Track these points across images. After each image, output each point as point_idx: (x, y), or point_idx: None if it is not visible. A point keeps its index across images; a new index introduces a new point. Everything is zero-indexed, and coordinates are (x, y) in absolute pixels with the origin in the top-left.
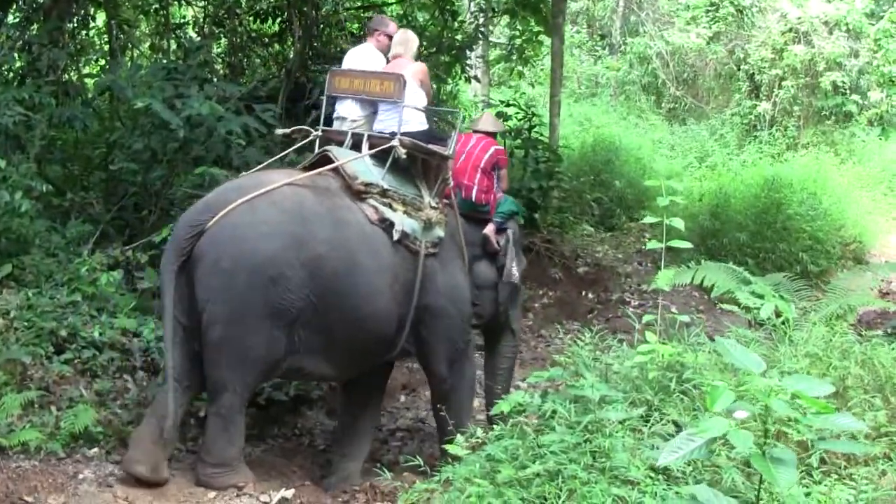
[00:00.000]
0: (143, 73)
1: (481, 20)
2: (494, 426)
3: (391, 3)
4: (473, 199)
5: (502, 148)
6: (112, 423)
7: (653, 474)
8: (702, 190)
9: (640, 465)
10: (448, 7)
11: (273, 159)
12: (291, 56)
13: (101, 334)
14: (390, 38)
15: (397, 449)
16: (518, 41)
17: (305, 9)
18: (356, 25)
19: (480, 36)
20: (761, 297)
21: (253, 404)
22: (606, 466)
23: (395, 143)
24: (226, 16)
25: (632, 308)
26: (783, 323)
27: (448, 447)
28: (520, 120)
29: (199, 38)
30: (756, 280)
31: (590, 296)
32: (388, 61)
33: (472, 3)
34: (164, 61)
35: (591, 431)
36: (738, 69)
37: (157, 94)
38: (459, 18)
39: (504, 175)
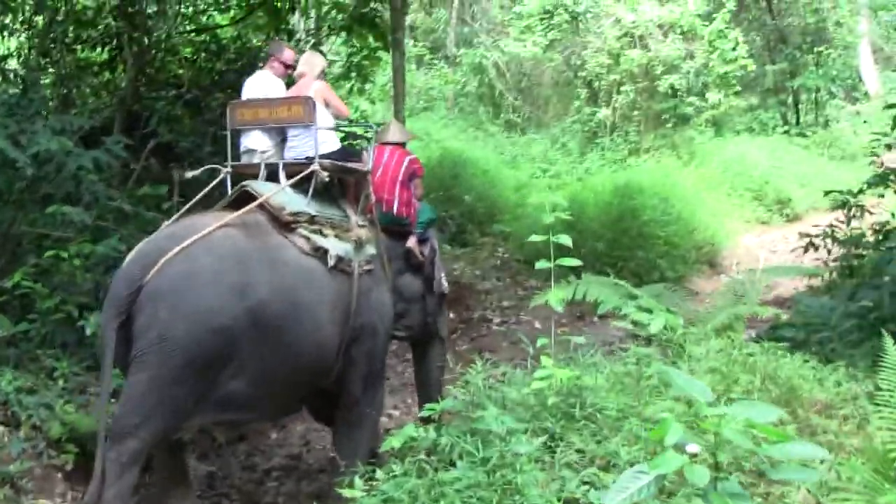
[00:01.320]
0: None
1: (319, 38)
2: (391, 462)
3: (224, 26)
4: (395, 212)
5: (415, 157)
6: None
7: None
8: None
9: (554, 500)
10: (283, 27)
11: (191, 203)
12: (124, 84)
13: None
14: (286, 65)
15: (275, 490)
16: (356, 58)
17: (136, 35)
18: (189, 49)
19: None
20: (649, 311)
21: None
22: None
23: (315, 167)
24: (52, 45)
25: (495, 325)
26: (672, 338)
27: (342, 490)
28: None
29: (23, 70)
30: (640, 293)
31: (451, 315)
32: (287, 87)
33: (307, 22)
34: (6, 96)
35: (497, 466)
36: (576, 76)
37: (0, 131)
38: (295, 38)
39: (419, 184)
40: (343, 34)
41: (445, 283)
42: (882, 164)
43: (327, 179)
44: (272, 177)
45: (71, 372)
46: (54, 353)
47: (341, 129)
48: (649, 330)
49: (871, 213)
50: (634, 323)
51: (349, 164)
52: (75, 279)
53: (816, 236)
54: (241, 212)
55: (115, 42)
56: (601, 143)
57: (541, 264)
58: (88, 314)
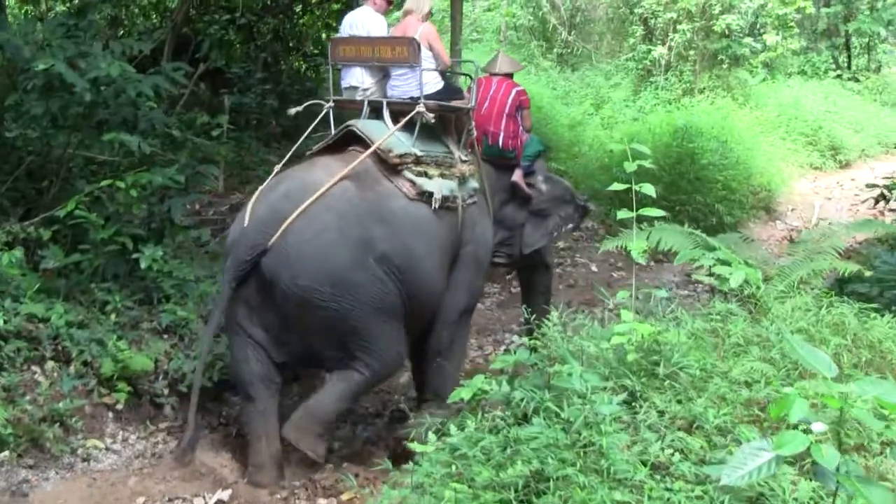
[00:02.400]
0: (39, 29)
1: None
2: (463, 416)
3: None
4: (500, 145)
5: (522, 88)
6: (22, 422)
7: (656, 476)
8: (610, 140)
9: (638, 464)
10: None
11: (298, 143)
12: (174, 6)
13: (5, 322)
14: (388, 1)
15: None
16: None
17: None
18: None
19: None
20: (728, 263)
21: (174, 392)
22: (604, 468)
23: (420, 108)
24: None
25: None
26: (754, 293)
27: (413, 445)
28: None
29: None
30: (717, 244)
31: None
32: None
33: None
34: (61, 16)
35: (577, 426)
36: (632, 13)
37: (58, 53)
38: None
39: (527, 115)
40: None
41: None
42: None
43: (433, 120)
44: (374, 114)
45: (123, 306)
46: (107, 286)
47: (451, 71)
48: (729, 284)
49: None
50: (715, 275)
51: (453, 104)
52: (131, 209)
53: (886, 187)
54: (353, 165)
55: None
56: (655, 82)
57: (622, 214)
58: (143, 246)
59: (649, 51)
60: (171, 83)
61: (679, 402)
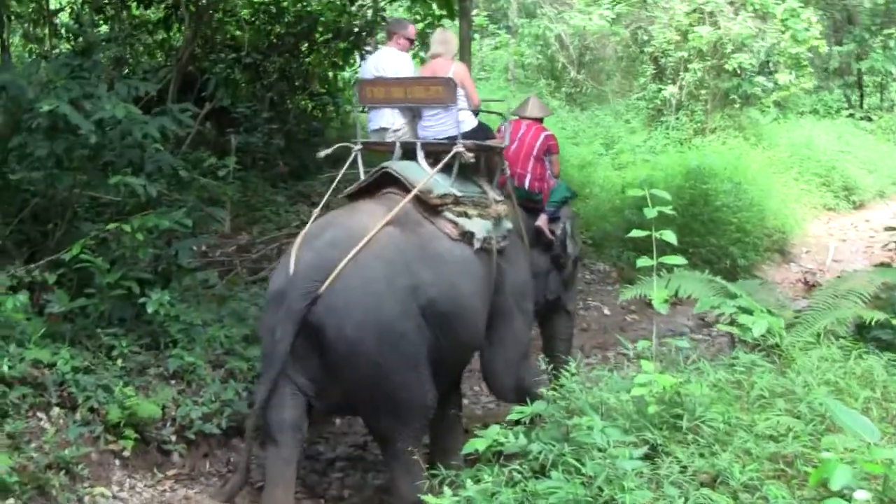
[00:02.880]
0: (43, 69)
1: (380, 4)
2: (479, 469)
3: None
4: (527, 187)
5: (552, 133)
6: (27, 470)
7: None
8: (621, 181)
9: None
10: None
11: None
12: (180, 45)
13: (9, 368)
14: (410, 40)
15: (339, 482)
16: (420, 26)
17: None
18: (247, 10)
19: (380, 20)
20: (749, 311)
21: (182, 439)
22: None
23: (459, 147)
24: (107, 1)
25: None
26: (777, 343)
27: (427, 497)
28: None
29: (75, 26)
30: (738, 291)
31: None
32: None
33: None
34: (65, 56)
35: (598, 481)
36: (642, 52)
37: (62, 94)
38: (358, 3)
39: (556, 160)
40: (406, 1)
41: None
42: None
43: (473, 160)
44: (406, 156)
45: (130, 351)
46: (113, 331)
47: (482, 110)
48: (752, 333)
49: None
50: (738, 325)
51: (489, 143)
52: (137, 253)
53: None
54: (397, 209)
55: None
56: (666, 122)
57: (643, 262)
58: (149, 290)
59: (660, 90)
60: (177, 124)
61: (702, 456)
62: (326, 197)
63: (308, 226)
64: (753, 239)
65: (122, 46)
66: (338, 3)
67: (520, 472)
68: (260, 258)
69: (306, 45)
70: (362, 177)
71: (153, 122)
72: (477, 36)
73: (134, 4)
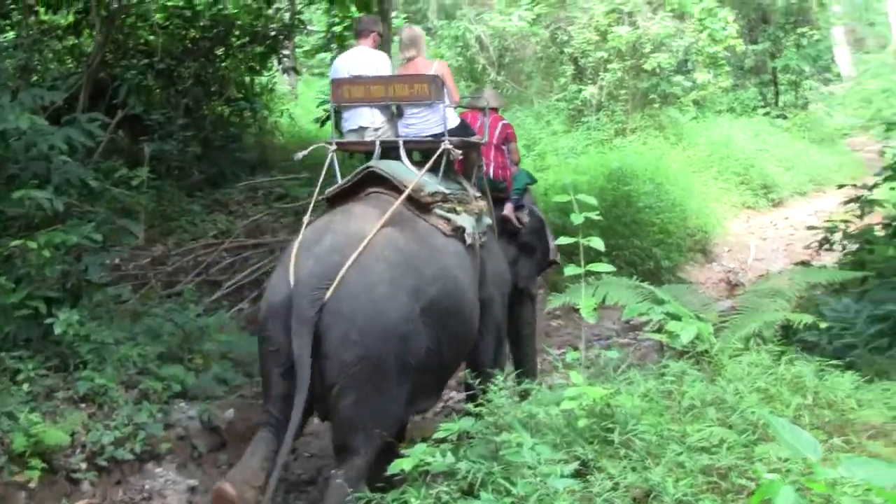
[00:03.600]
0: None
1: (297, 7)
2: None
3: None
4: (491, 175)
5: (508, 122)
6: None
7: None
8: (544, 183)
9: None
10: None
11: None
12: (90, 51)
13: None
14: (382, 36)
15: None
16: (338, 28)
17: None
18: (161, 15)
19: (298, 24)
20: (678, 317)
21: (93, 466)
22: None
23: (446, 145)
24: (13, 6)
25: None
26: (706, 350)
27: None
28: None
29: None
30: (666, 297)
31: None
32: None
33: None
34: None
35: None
36: (562, 52)
37: None
38: (275, 6)
39: (514, 148)
40: (324, 4)
41: (555, 252)
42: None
43: (461, 157)
44: (387, 154)
45: (36, 374)
46: (18, 353)
47: (460, 105)
48: (681, 341)
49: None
50: (666, 332)
51: (472, 139)
52: (44, 270)
53: (828, 230)
54: (392, 209)
55: (81, 4)
56: (587, 122)
57: (570, 269)
58: (57, 309)
59: (580, 90)
60: (86, 135)
61: (634, 470)
62: (311, 206)
63: (302, 233)
64: (676, 239)
65: (29, 53)
66: (254, 6)
67: (448, 493)
68: (175, 270)
69: (222, 49)
70: (339, 178)
71: (59, 134)
72: (396, 38)
73: (42, 9)
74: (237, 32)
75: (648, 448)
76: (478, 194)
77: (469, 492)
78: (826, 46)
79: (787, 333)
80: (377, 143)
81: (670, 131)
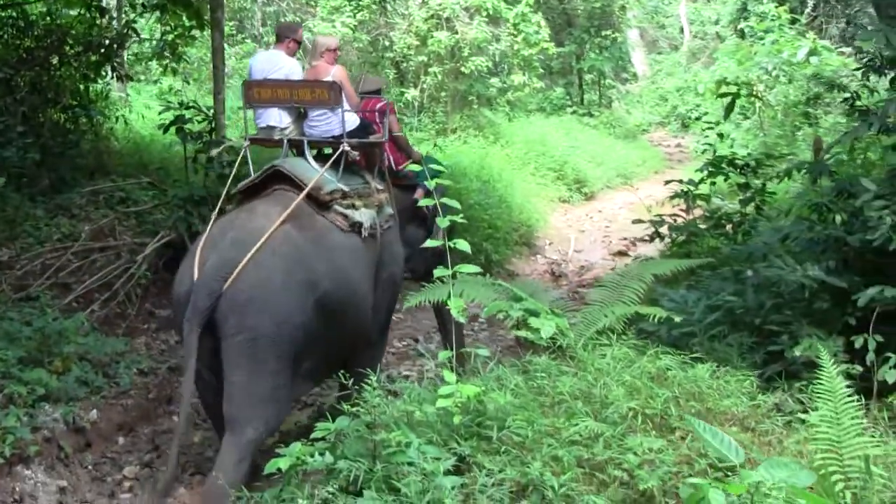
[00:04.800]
0: None
1: (131, 17)
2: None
3: (33, 1)
4: (394, 167)
5: (386, 101)
6: None
7: None
8: None
9: None
10: (95, 4)
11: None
12: None
13: None
14: (298, 43)
15: (128, 502)
16: (170, 37)
17: None
18: None
19: (130, 32)
20: (536, 314)
21: None
22: None
23: (345, 146)
24: None
25: None
26: (565, 344)
27: None
28: (200, 122)
29: None
30: (522, 294)
31: None
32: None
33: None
34: None
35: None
36: (383, 57)
37: None
38: (108, 15)
39: (393, 120)
40: (156, 13)
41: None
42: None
43: (358, 157)
44: (295, 152)
45: None
46: None
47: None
48: (542, 336)
49: (705, 201)
50: (528, 329)
51: (371, 139)
52: None
53: (658, 223)
54: (289, 210)
55: None
56: (410, 124)
57: (439, 271)
58: None
59: (402, 93)
60: None
61: (512, 465)
62: (219, 204)
63: (209, 229)
64: (503, 234)
65: None
66: (87, 16)
67: (332, 493)
68: (24, 274)
69: (57, 58)
70: (252, 173)
71: None
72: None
73: None
74: (71, 41)
75: (524, 443)
76: (380, 186)
77: (350, 490)
78: (624, 48)
79: (630, 325)
80: (284, 141)
81: (489, 131)
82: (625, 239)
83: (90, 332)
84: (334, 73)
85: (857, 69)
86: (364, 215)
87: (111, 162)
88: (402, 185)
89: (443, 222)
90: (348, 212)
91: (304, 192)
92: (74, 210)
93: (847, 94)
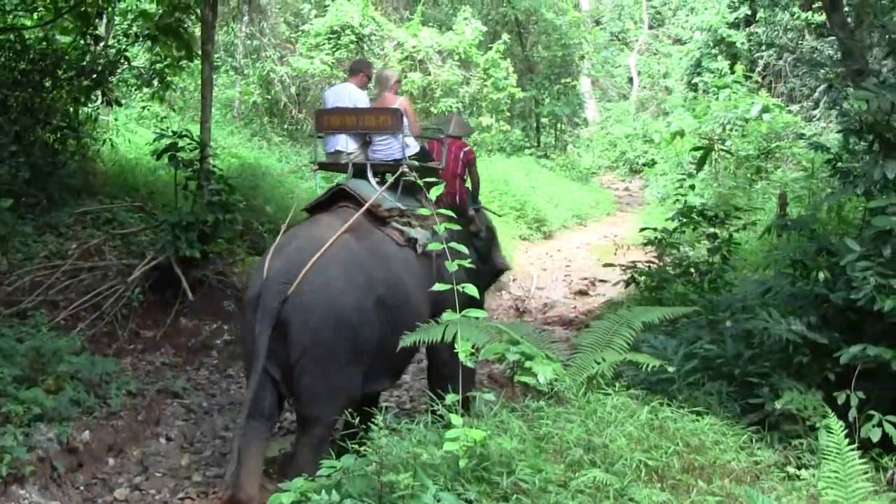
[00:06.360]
0: None
1: (123, 46)
2: None
3: (31, 27)
4: (457, 201)
5: (469, 148)
6: None
7: None
8: None
9: None
10: (90, 32)
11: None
12: None
13: None
14: (369, 77)
15: None
16: (159, 66)
17: None
18: None
19: (122, 60)
20: (531, 357)
21: None
22: None
23: (404, 168)
24: None
25: None
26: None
27: None
28: (191, 151)
29: None
30: (517, 336)
31: None
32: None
33: (114, 28)
34: None
35: None
36: None
37: None
38: (101, 44)
39: (474, 171)
40: (147, 43)
41: (502, 261)
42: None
43: (415, 180)
44: (359, 174)
45: None
46: None
47: (421, 136)
48: (539, 381)
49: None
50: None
51: (429, 165)
52: None
53: (633, 269)
54: (351, 221)
55: None
56: None
57: (447, 315)
58: None
59: None
60: None
61: None
62: (289, 218)
63: (277, 239)
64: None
65: None
66: (82, 42)
67: None
68: (14, 290)
69: (50, 81)
70: (318, 192)
71: None
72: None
73: None
74: (64, 66)
75: (530, 491)
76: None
77: None
78: (580, 95)
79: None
80: (350, 164)
81: None
82: (585, 279)
83: (81, 352)
84: (400, 102)
85: (840, 131)
86: (419, 233)
87: (97, 183)
88: (458, 214)
89: (451, 266)
90: (404, 228)
91: (365, 206)
92: (62, 229)
93: (830, 156)
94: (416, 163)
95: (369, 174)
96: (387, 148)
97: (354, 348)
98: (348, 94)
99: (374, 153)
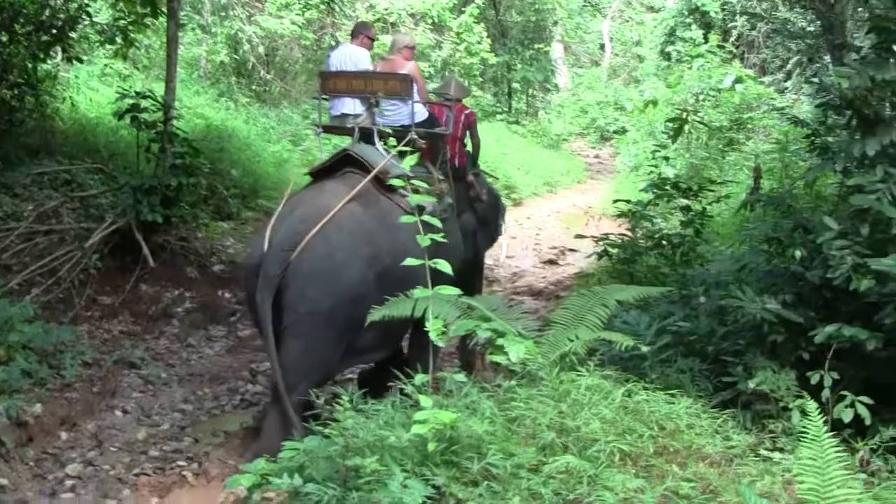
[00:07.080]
0: None
1: (84, 1)
2: None
3: None
4: (457, 164)
5: (471, 111)
6: None
7: None
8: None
9: None
10: None
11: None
12: None
13: None
14: (372, 39)
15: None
16: (123, 22)
17: None
18: None
19: (82, 16)
20: (502, 334)
21: None
22: None
23: (412, 135)
24: None
25: None
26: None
27: None
28: (155, 112)
29: None
30: (488, 313)
31: (227, 295)
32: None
33: None
34: None
35: None
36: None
37: None
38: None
39: (475, 133)
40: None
41: (503, 229)
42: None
43: (424, 146)
44: (364, 139)
45: None
46: None
47: (428, 102)
48: (510, 360)
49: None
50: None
51: (436, 131)
52: None
53: (607, 242)
54: (357, 188)
55: None
56: None
57: (419, 292)
58: None
59: None
60: None
61: (483, 496)
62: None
63: (281, 206)
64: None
65: None
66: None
67: None
68: None
69: (7, 36)
70: (322, 157)
71: None
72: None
73: None
74: (22, 20)
75: (500, 475)
76: (441, 177)
77: None
78: (552, 61)
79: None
80: (356, 128)
81: None
82: (555, 248)
83: (34, 320)
84: (409, 67)
85: (818, 106)
86: (426, 200)
87: (56, 142)
88: (457, 178)
89: (423, 240)
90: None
91: (372, 173)
92: (18, 189)
93: (808, 131)
94: (423, 129)
95: (376, 139)
96: (395, 113)
97: (349, 321)
98: (349, 55)
99: (381, 117)
